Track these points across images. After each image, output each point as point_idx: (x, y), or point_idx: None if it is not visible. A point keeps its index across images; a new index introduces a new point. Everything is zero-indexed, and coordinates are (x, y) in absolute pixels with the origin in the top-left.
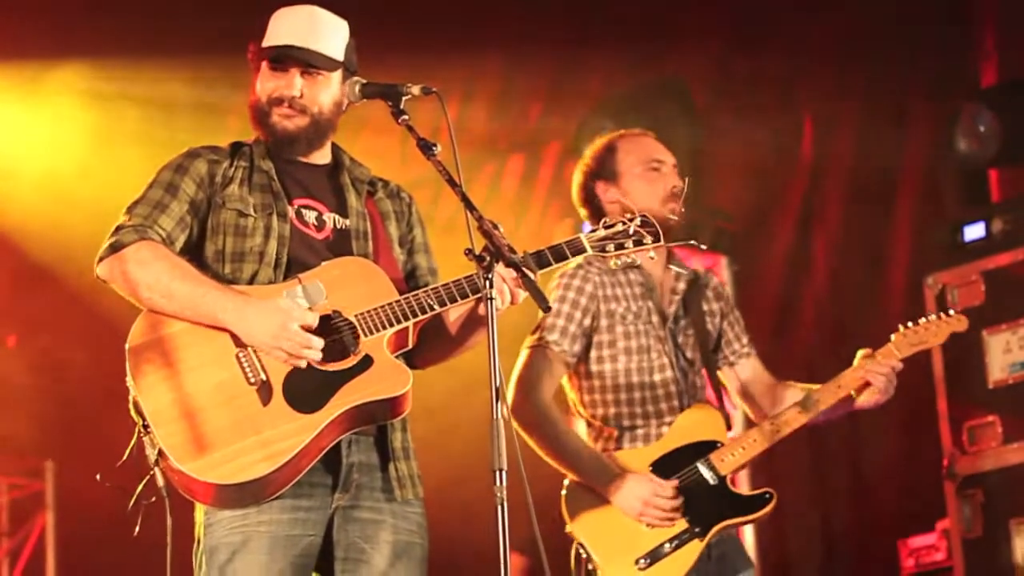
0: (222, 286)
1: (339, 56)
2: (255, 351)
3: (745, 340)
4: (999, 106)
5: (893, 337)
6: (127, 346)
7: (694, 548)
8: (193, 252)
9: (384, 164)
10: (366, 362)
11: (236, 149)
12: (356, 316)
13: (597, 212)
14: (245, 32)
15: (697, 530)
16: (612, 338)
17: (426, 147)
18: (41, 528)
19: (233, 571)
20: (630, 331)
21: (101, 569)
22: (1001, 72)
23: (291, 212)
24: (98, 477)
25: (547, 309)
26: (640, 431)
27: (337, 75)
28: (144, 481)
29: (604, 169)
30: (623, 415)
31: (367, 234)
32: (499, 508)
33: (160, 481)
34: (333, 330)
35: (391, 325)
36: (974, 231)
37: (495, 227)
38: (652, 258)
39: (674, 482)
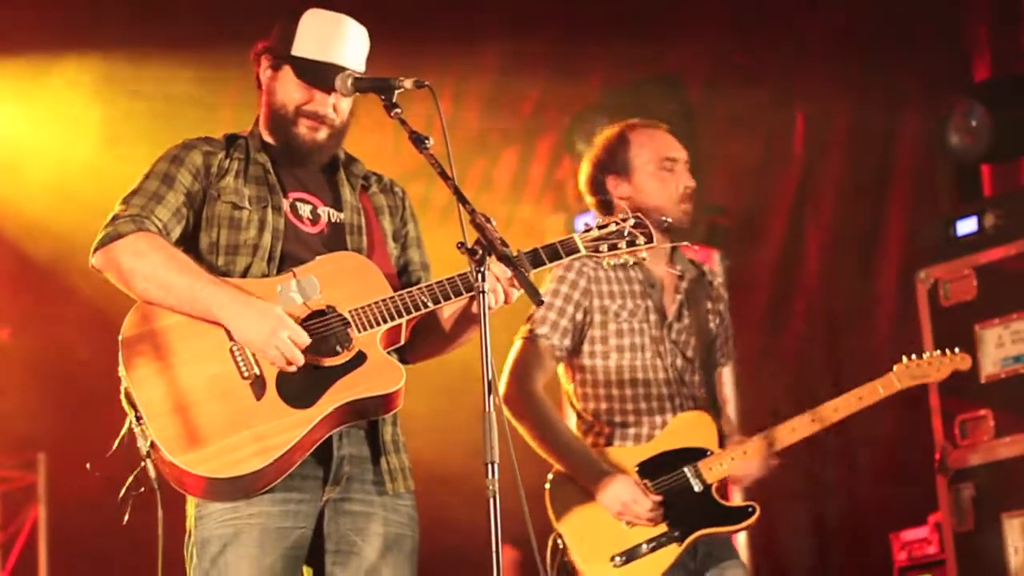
0: (219, 281)
1: (363, 68)
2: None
3: (725, 351)
4: (991, 101)
5: (895, 367)
6: (120, 337)
7: (671, 552)
8: (188, 243)
9: (377, 157)
10: (359, 358)
11: (231, 141)
12: (350, 312)
13: (606, 206)
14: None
15: (676, 534)
16: (604, 334)
17: (419, 140)
18: (33, 521)
19: (224, 563)
20: (623, 329)
21: (93, 561)
22: (994, 67)
23: (286, 205)
24: (88, 466)
25: (539, 303)
26: (631, 430)
27: None
28: (135, 472)
29: (616, 163)
30: (614, 411)
31: (361, 228)
32: (491, 501)
33: (152, 472)
34: (326, 325)
35: (385, 322)
36: (966, 226)
37: (487, 220)
38: (644, 259)
39: (657, 497)
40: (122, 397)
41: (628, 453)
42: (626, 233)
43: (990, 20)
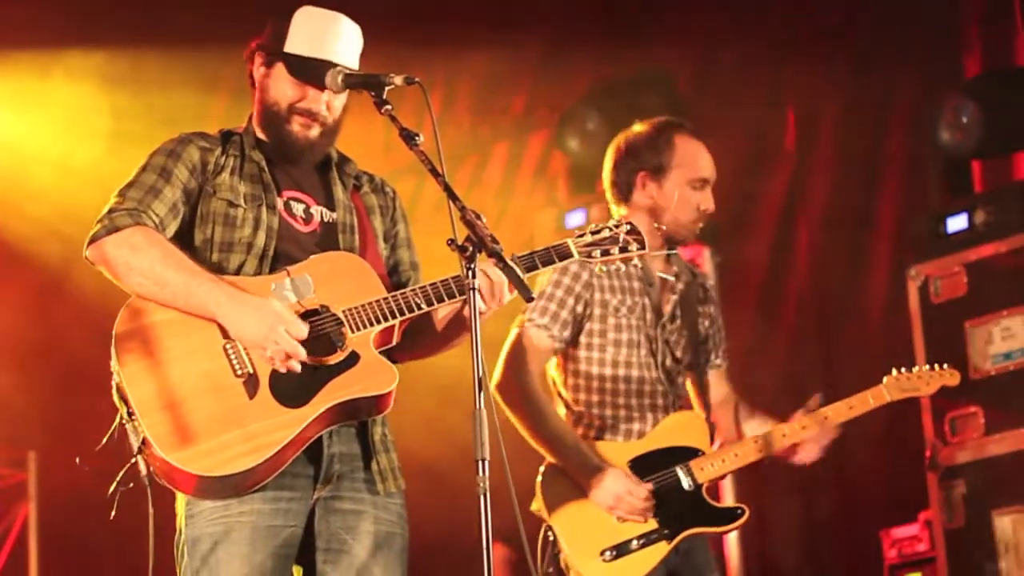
0: (215, 278)
1: (356, 66)
2: (243, 344)
3: (721, 350)
4: (982, 97)
5: (885, 380)
6: (114, 332)
7: (660, 549)
8: (182, 239)
9: (367, 154)
10: (352, 358)
11: (227, 138)
12: (344, 312)
13: (623, 196)
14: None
15: (666, 532)
16: (603, 328)
17: (409, 137)
18: (24, 518)
19: (216, 561)
20: (622, 324)
21: (84, 559)
22: (984, 63)
23: (280, 204)
24: (78, 461)
25: (530, 299)
26: (622, 425)
27: None
28: (125, 468)
29: (653, 161)
30: (606, 404)
31: (353, 228)
32: (481, 498)
33: (142, 469)
34: (320, 325)
35: (378, 322)
36: (957, 222)
37: (478, 217)
38: (637, 266)
39: (649, 485)
40: (114, 393)
41: (619, 448)
42: (620, 240)
43: (981, 16)
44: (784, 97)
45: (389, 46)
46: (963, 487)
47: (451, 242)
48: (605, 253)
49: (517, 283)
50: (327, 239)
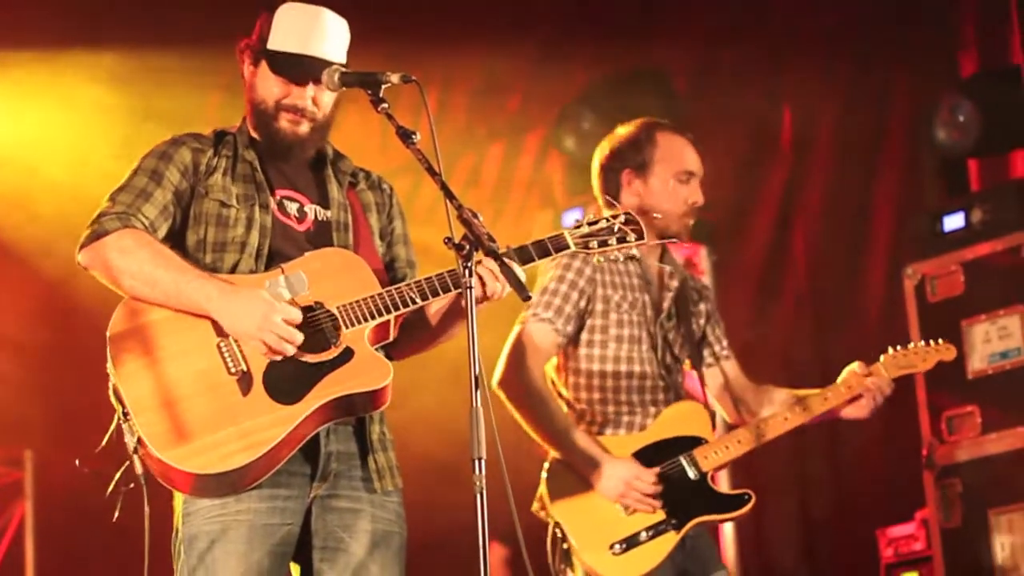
0: (206, 274)
1: (343, 60)
2: (236, 341)
3: (725, 343)
4: (979, 96)
5: (882, 358)
6: (108, 334)
7: (669, 539)
8: (175, 241)
9: (363, 153)
10: (347, 354)
11: (220, 138)
12: (338, 308)
13: (612, 195)
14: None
15: (674, 522)
16: (605, 323)
17: (405, 135)
18: (20, 517)
19: (212, 560)
20: (623, 319)
21: (80, 558)
22: (981, 62)
23: (273, 203)
24: (77, 463)
25: (527, 299)
26: (624, 418)
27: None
28: (123, 468)
29: (636, 158)
30: (608, 400)
31: (348, 226)
32: (478, 497)
33: (139, 469)
34: (314, 321)
35: (373, 318)
36: (953, 221)
37: (474, 216)
38: (636, 256)
39: (656, 469)
40: (110, 393)
41: (621, 442)
42: (616, 230)
43: (978, 15)
44: (781, 96)
45: (385, 44)
46: (960, 486)
47: (448, 240)
48: (603, 244)
49: (514, 283)
50: (321, 237)
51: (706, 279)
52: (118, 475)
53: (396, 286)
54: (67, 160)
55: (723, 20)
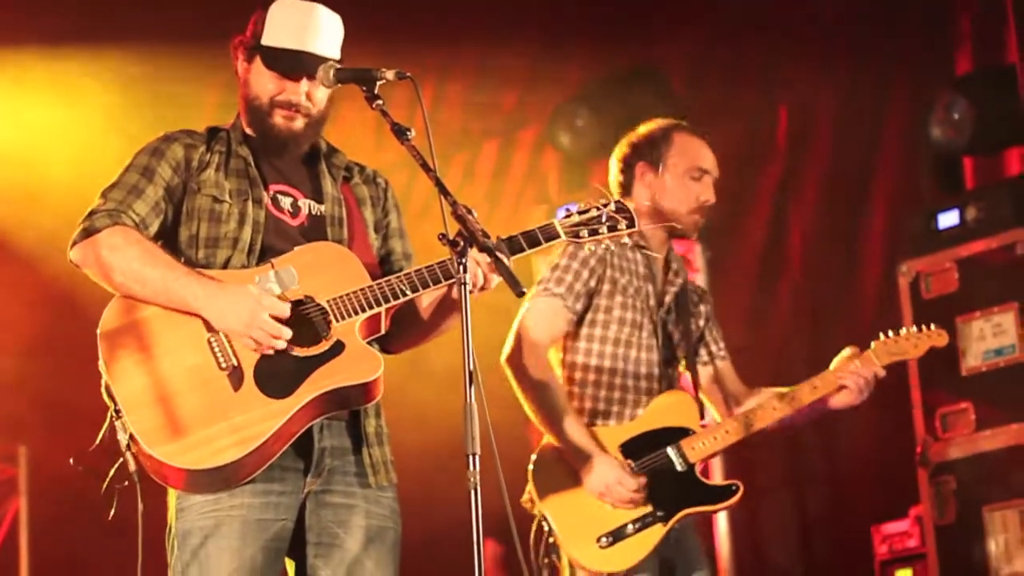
0: (194, 272)
1: (337, 55)
2: (227, 336)
3: (722, 345)
4: (974, 94)
5: (873, 344)
6: (99, 331)
7: (656, 532)
8: (168, 237)
9: (358, 149)
10: (337, 348)
11: (213, 134)
12: (328, 302)
13: (626, 187)
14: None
15: (661, 514)
16: (610, 304)
17: (400, 132)
18: (14, 513)
19: (206, 555)
20: (628, 303)
21: (74, 554)
22: (976, 60)
23: (266, 198)
24: (71, 461)
25: (520, 294)
26: (615, 408)
27: None
28: (116, 466)
29: (652, 153)
30: (602, 385)
31: (342, 220)
32: (472, 492)
33: (132, 466)
34: (305, 315)
35: (363, 311)
36: (948, 219)
37: (469, 212)
38: (625, 243)
39: (642, 479)
40: (102, 391)
41: (611, 432)
42: (606, 218)
43: (973, 13)
44: (777, 94)
45: (380, 40)
46: (954, 483)
47: (442, 237)
48: (593, 232)
49: (508, 278)
50: (315, 232)
51: (701, 276)
52: (112, 473)
53: (387, 278)
54: (67, 158)
55: (719, 17)
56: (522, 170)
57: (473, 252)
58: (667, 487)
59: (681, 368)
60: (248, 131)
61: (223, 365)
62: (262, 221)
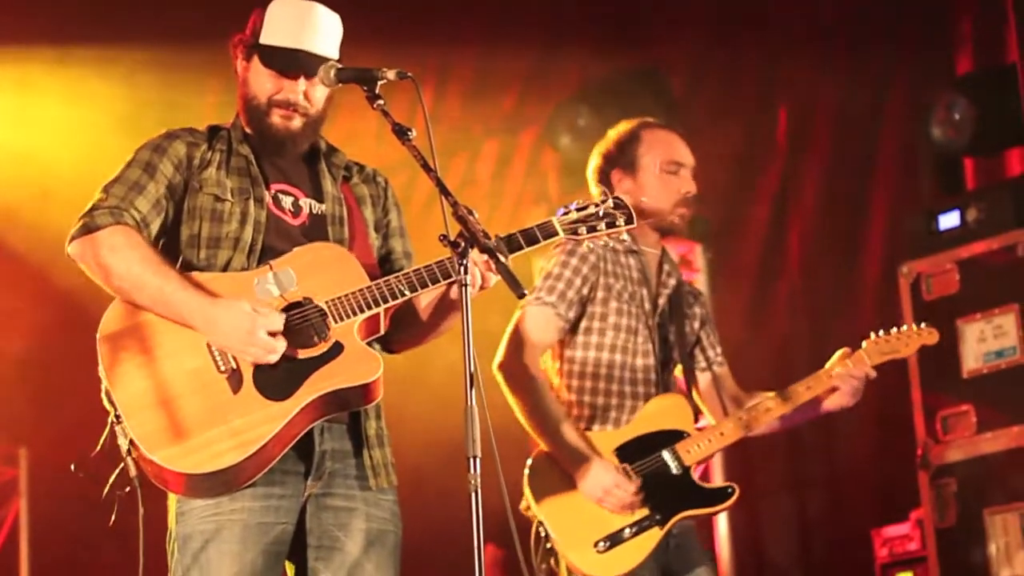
0: (190, 285)
1: (336, 55)
2: None
3: (719, 350)
4: (974, 94)
5: (864, 344)
6: (98, 335)
7: (653, 535)
8: (168, 235)
9: (359, 149)
10: (336, 349)
11: (214, 133)
12: (327, 303)
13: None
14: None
15: (658, 518)
16: (605, 311)
17: (401, 132)
18: (15, 515)
19: (206, 559)
20: (623, 309)
21: (75, 556)
22: (977, 60)
23: (268, 197)
24: (72, 468)
25: (521, 295)
26: (612, 414)
27: None
28: (117, 471)
29: (624, 158)
30: (599, 391)
31: (343, 219)
32: (473, 495)
33: (132, 471)
34: (303, 317)
35: (362, 311)
36: (949, 220)
37: (470, 213)
38: (624, 240)
39: (638, 482)
40: (103, 396)
41: (605, 437)
42: (604, 214)
43: (973, 13)
44: (776, 94)
45: (381, 40)
46: (955, 485)
47: (443, 238)
48: (591, 229)
49: (509, 279)
50: (316, 232)
51: (702, 276)
52: (112, 478)
53: (385, 278)
54: (74, 159)
55: (719, 17)
56: (522, 171)
57: (472, 252)
58: (663, 490)
59: (677, 372)
60: (247, 130)
61: (222, 368)
62: (263, 221)
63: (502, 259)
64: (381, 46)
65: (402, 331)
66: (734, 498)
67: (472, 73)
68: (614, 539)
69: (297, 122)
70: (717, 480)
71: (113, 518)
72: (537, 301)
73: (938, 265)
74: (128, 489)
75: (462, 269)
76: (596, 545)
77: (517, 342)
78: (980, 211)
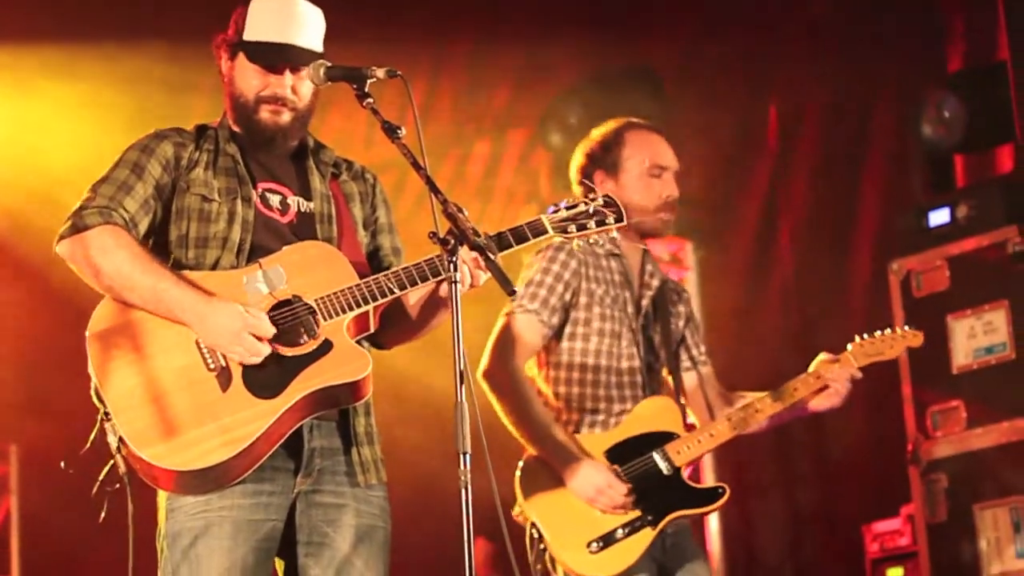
0: (181, 281)
1: (320, 48)
2: None
3: (703, 349)
4: (965, 92)
5: (850, 347)
6: (88, 333)
7: (646, 536)
8: (157, 236)
9: (349, 147)
10: (326, 347)
11: (202, 132)
12: (316, 301)
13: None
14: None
15: (650, 519)
16: (588, 316)
17: (391, 130)
18: (5, 512)
19: (196, 556)
20: (606, 314)
21: (65, 553)
22: (967, 58)
23: (255, 196)
24: (62, 465)
25: (511, 293)
26: (600, 416)
27: None
28: (107, 468)
29: (607, 159)
30: (586, 396)
31: (331, 217)
32: (463, 491)
33: (122, 468)
34: (293, 315)
35: (351, 309)
36: (939, 216)
37: (460, 210)
38: (615, 238)
39: (630, 484)
40: (92, 394)
41: (595, 440)
42: (594, 212)
43: (964, 10)
44: (767, 92)
45: (371, 38)
46: (945, 481)
47: (433, 235)
48: (581, 228)
49: (499, 277)
50: (304, 230)
51: (692, 275)
52: (102, 475)
53: (375, 276)
54: (71, 159)
55: (709, 15)
56: (513, 169)
57: (462, 250)
58: (654, 491)
59: (664, 373)
60: (235, 128)
61: (211, 365)
62: (251, 220)
63: (492, 257)
64: (371, 44)
65: (392, 328)
66: (724, 498)
67: (463, 71)
68: (607, 540)
69: (286, 117)
70: (708, 476)
71: (103, 515)
72: (520, 309)
73: (928, 262)
74: (118, 486)
75: (452, 267)
76: (589, 546)
77: (501, 349)
78: (970, 208)
